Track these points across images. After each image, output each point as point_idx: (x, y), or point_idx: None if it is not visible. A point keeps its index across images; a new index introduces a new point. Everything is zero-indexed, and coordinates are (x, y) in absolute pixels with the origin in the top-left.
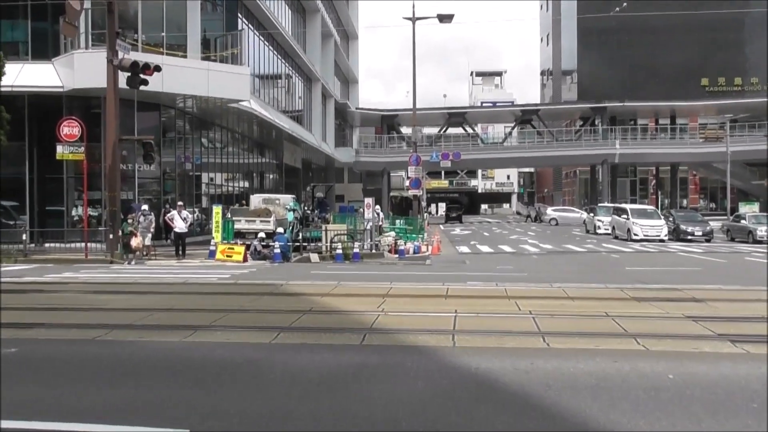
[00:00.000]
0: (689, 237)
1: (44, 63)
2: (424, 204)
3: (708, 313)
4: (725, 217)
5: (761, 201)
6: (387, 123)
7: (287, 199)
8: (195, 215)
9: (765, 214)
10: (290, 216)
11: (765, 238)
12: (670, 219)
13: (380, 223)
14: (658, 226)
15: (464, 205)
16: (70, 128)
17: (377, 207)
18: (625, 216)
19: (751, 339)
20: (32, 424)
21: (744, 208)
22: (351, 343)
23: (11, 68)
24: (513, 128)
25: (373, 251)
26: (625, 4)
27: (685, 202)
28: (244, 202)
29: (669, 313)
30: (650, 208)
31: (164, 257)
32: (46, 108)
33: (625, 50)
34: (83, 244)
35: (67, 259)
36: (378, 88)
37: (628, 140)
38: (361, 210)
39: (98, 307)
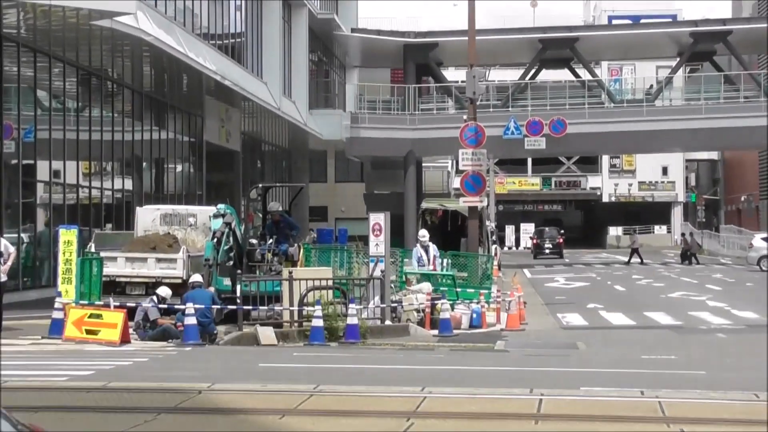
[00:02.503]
0: None
1: None
2: (491, 225)
3: None
4: None
5: None
6: (415, 60)
7: (210, 213)
8: (22, 247)
9: None
10: (215, 224)
11: None
12: None
13: (430, 265)
14: None
15: (573, 227)
16: None
17: (424, 236)
18: None
19: None
20: None
21: None
22: None
23: None
24: (675, 70)
25: (387, 322)
26: None
27: None
28: (137, 218)
29: None
30: None
31: None
32: None
33: None
34: None
35: None
36: None
37: None
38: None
39: None
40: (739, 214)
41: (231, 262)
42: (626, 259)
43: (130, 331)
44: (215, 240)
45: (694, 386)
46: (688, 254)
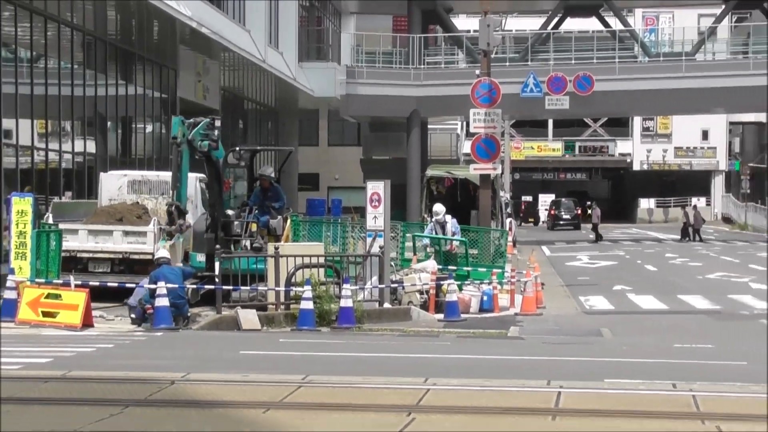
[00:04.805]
0: None
1: None
2: (505, 197)
3: None
4: None
5: None
6: (422, 6)
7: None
8: None
9: None
10: (185, 152)
11: None
12: None
13: (447, 246)
14: None
15: (599, 198)
16: None
17: (438, 212)
18: None
19: None
20: None
21: None
22: None
23: None
24: (719, 19)
25: (386, 305)
26: None
27: None
28: (101, 185)
29: None
30: None
31: None
32: None
33: None
34: None
35: None
36: None
37: None
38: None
39: None
40: None
41: (206, 143)
42: (663, 237)
43: (92, 313)
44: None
45: (734, 379)
46: (688, 230)
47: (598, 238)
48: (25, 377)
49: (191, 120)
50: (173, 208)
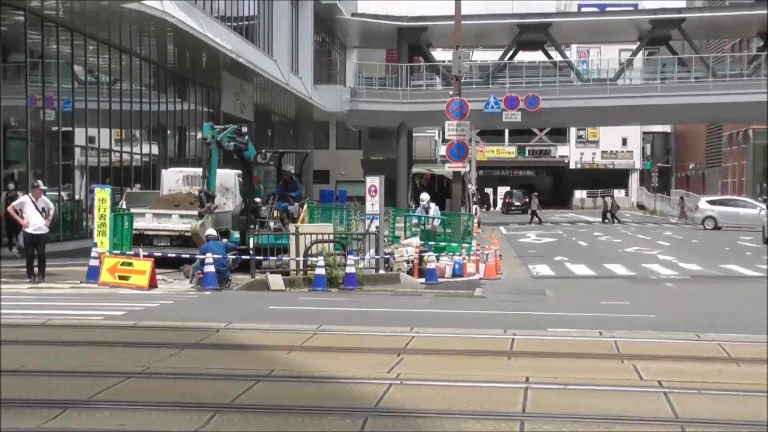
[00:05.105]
0: None
1: None
2: (472, 188)
3: None
4: None
5: None
6: (408, 42)
7: (228, 176)
8: (61, 204)
9: None
10: (214, 150)
11: None
12: None
13: (429, 225)
14: None
15: (543, 190)
16: None
17: (423, 199)
18: None
19: None
20: None
21: None
22: None
23: None
24: (636, 53)
25: (381, 271)
26: None
27: None
28: (162, 179)
29: None
30: None
31: (7, 279)
32: None
33: None
34: None
35: None
36: None
37: None
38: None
39: None
40: (687, 180)
41: (232, 143)
42: (592, 220)
43: (156, 277)
44: (221, 127)
45: (645, 328)
46: (607, 214)
47: (531, 219)
48: (105, 326)
49: (221, 126)
50: (203, 194)
